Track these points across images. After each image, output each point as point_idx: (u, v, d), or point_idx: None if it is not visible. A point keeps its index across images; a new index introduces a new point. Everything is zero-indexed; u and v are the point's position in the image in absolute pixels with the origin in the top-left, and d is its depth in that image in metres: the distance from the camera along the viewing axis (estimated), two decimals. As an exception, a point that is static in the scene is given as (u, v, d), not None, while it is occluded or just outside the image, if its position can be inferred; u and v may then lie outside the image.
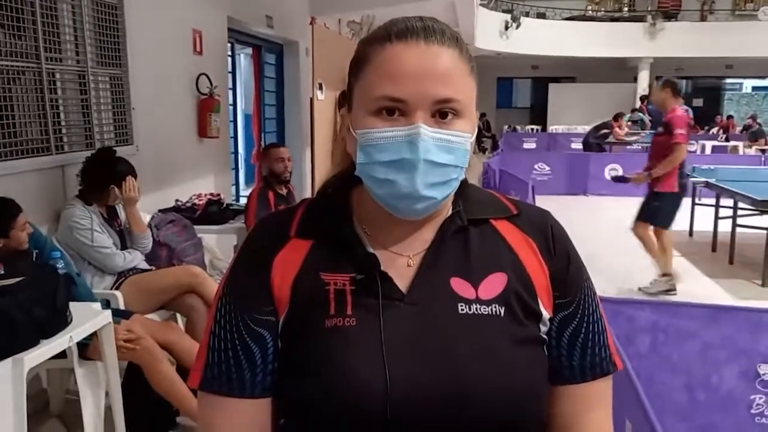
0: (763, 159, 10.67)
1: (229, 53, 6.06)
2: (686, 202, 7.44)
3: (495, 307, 0.82)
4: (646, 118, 15.49)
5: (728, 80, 22.76)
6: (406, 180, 0.77)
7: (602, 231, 7.17)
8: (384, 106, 0.78)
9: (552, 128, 17.62)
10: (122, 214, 3.39)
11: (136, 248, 3.33)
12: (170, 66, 4.57)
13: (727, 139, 14.35)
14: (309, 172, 5.84)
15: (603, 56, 17.47)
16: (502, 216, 0.89)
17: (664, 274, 5.16)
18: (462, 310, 0.81)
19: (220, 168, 5.51)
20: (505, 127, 18.89)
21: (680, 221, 7.37)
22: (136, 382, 2.70)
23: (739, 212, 6.09)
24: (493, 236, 0.87)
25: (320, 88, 5.21)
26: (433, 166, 0.77)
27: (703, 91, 21.91)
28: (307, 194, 6.30)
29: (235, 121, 6.92)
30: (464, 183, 0.87)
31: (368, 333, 0.79)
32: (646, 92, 17.41)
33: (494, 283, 0.83)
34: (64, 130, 3.49)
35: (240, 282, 0.85)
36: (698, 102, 20.53)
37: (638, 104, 16.49)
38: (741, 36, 16.44)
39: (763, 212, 5.60)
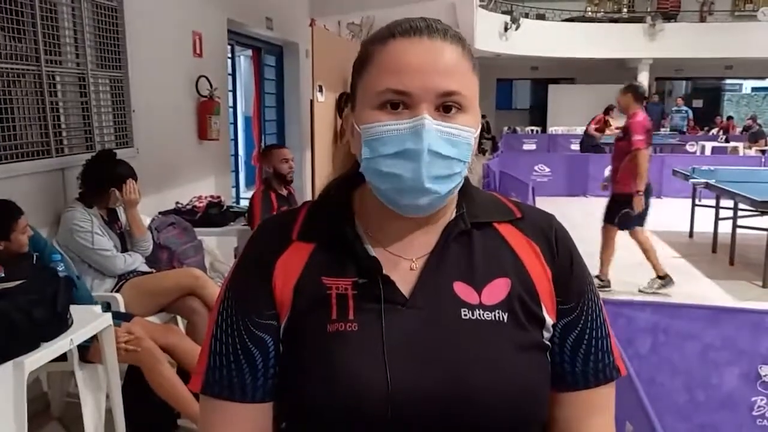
0: (763, 160, 10.66)
1: (229, 55, 6.06)
2: (686, 204, 7.48)
3: (498, 312, 0.81)
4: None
5: (728, 81, 22.77)
6: (410, 171, 0.77)
7: (601, 231, 7.15)
8: (388, 99, 0.78)
9: (552, 129, 17.61)
10: (123, 217, 3.39)
11: (136, 251, 3.33)
12: (170, 68, 4.57)
13: (727, 140, 14.35)
14: (309, 174, 5.84)
15: (602, 57, 17.46)
16: (505, 219, 0.88)
17: (658, 277, 5.20)
18: (465, 315, 0.80)
19: (221, 170, 5.52)
20: (505, 128, 18.89)
21: (681, 222, 7.42)
22: (136, 385, 2.70)
23: (740, 213, 6.09)
24: (496, 240, 0.86)
25: (320, 90, 5.21)
26: (437, 158, 0.77)
27: (703, 92, 21.92)
28: (308, 196, 6.30)
29: (235, 123, 6.92)
30: (467, 184, 0.87)
31: (370, 338, 0.78)
32: (646, 93, 17.43)
33: (498, 289, 0.83)
34: (64, 133, 3.49)
35: (242, 286, 0.85)
36: (698, 103, 20.55)
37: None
38: (740, 37, 16.45)
39: (763, 213, 5.60)
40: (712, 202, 6.77)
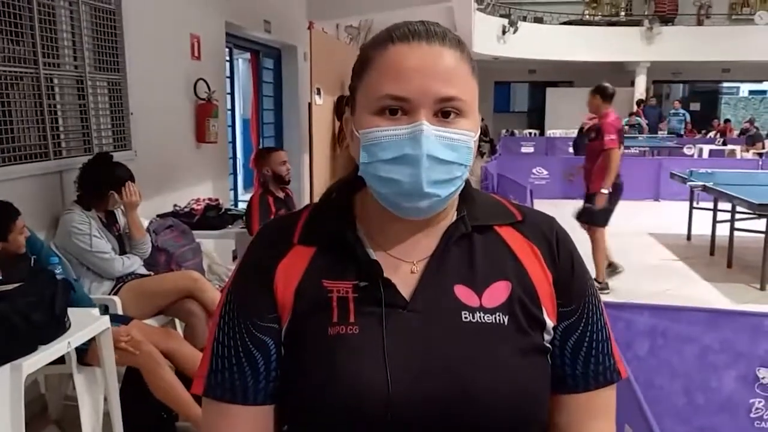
0: (760, 163, 10.69)
1: (228, 58, 6.07)
2: (684, 207, 7.49)
3: (499, 315, 0.81)
4: (644, 122, 15.52)
5: (725, 84, 22.81)
6: (410, 176, 0.77)
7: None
8: (387, 105, 0.78)
9: (550, 132, 17.63)
10: (121, 219, 3.39)
11: (135, 253, 3.33)
12: (168, 71, 4.57)
13: (724, 143, 14.38)
14: (307, 177, 5.84)
15: (600, 60, 17.48)
16: (506, 222, 0.88)
17: (597, 281, 5.22)
18: (465, 318, 0.80)
19: (219, 173, 5.51)
20: (503, 131, 18.91)
21: (678, 225, 7.43)
22: (134, 388, 2.69)
23: (737, 216, 6.09)
24: (497, 243, 0.86)
25: (318, 92, 5.21)
26: (437, 163, 0.77)
27: (700, 95, 21.95)
28: (306, 198, 6.30)
29: (233, 126, 6.92)
30: (468, 187, 0.87)
31: (371, 341, 0.79)
32: (644, 96, 17.46)
33: (498, 292, 0.83)
34: (62, 136, 3.48)
35: (243, 289, 0.85)
36: (695, 106, 20.58)
37: (635, 108, 16.52)
38: (737, 40, 16.48)
39: (760, 216, 5.60)
40: (710, 205, 6.78)
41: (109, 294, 3.13)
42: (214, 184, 5.34)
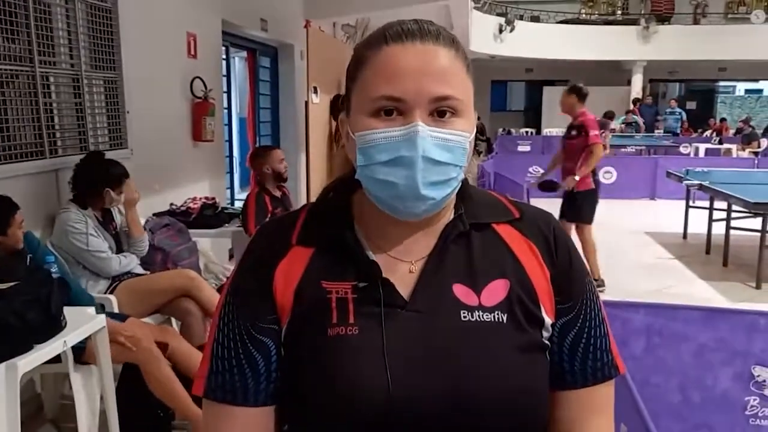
0: (756, 161, 10.71)
1: (224, 56, 6.06)
2: (680, 205, 7.51)
3: (497, 314, 0.81)
4: (640, 121, 15.54)
5: (721, 83, 22.87)
6: (405, 179, 0.77)
7: (596, 233, 7.17)
8: (382, 106, 0.78)
9: (546, 131, 17.63)
10: (118, 218, 3.38)
11: (133, 251, 3.33)
12: (164, 69, 4.56)
13: (720, 142, 14.40)
14: (304, 175, 5.84)
15: (597, 59, 17.51)
16: (503, 220, 0.88)
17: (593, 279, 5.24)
18: (464, 317, 0.81)
19: (215, 171, 5.51)
20: (500, 130, 18.91)
21: (675, 224, 7.44)
22: (131, 386, 2.69)
23: (733, 215, 6.11)
24: (495, 241, 0.87)
25: (315, 91, 5.21)
26: (432, 164, 0.77)
27: (697, 94, 22.01)
28: (303, 197, 6.30)
29: (229, 124, 6.91)
30: (465, 184, 0.87)
31: (370, 341, 0.79)
32: (640, 95, 17.49)
33: (497, 290, 0.83)
34: (58, 134, 3.48)
35: (243, 290, 0.85)
36: (692, 105, 20.62)
37: (631, 107, 16.55)
38: (734, 39, 16.51)
39: (756, 214, 5.62)
40: (706, 204, 6.79)
41: (105, 293, 3.12)
42: (210, 182, 5.34)
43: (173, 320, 3.35)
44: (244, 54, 7.13)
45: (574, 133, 5.32)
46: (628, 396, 1.70)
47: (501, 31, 16.32)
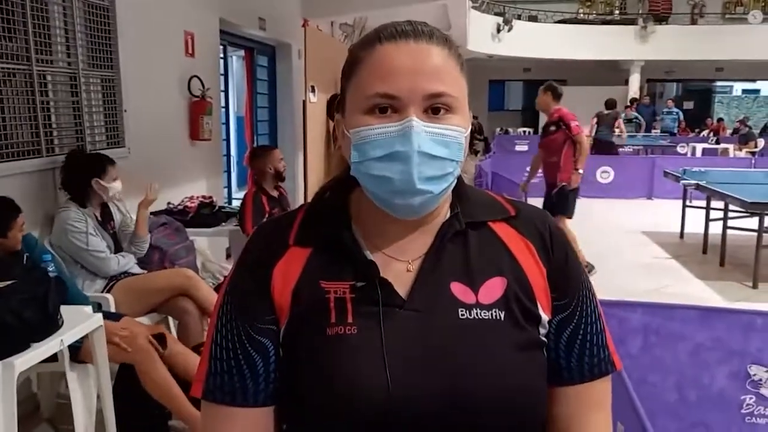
0: (753, 161, 10.73)
1: (222, 55, 6.05)
2: (677, 205, 7.51)
3: (495, 311, 0.82)
4: (642, 119, 15.52)
5: (719, 83, 22.91)
6: (401, 173, 0.77)
7: (592, 233, 7.19)
8: (377, 104, 0.78)
9: (544, 131, 17.60)
10: (117, 217, 3.38)
11: (134, 250, 3.33)
12: (162, 68, 4.56)
13: (717, 142, 14.42)
14: (302, 174, 5.84)
15: (594, 59, 17.52)
16: (499, 218, 0.89)
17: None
18: (462, 315, 0.81)
19: (212, 170, 5.50)
20: (498, 129, 18.92)
21: (672, 224, 7.45)
22: (127, 385, 2.69)
23: (730, 214, 6.12)
24: (491, 240, 0.87)
25: (313, 90, 5.20)
26: (428, 159, 0.77)
27: (694, 93, 22.04)
28: (300, 196, 6.30)
29: (227, 123, 6.91)
30: (461, 184, 0.88)
31: (369, 340, 0.79)
32: (637, 95, 17.50)
33: (494, 288, 0.83)
34: (55, 133, 3.47)
35: (240, 291, 0.85)
36: (689, 105, 20.64)
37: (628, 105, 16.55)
38: (731, 39, 16.54)
39: (753, 214, 5.63)
40: (703, 204, 6.80)
41: (102, 292, 3.12)
42: (207, 181, 5.33)
43: (170, 319, 3.35)
44: (242, 53, 7.13)
45: (552, 128, 5.42)
46: (625, 395, 1.71)
47: (499, 31, 16.32)
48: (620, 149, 11.97)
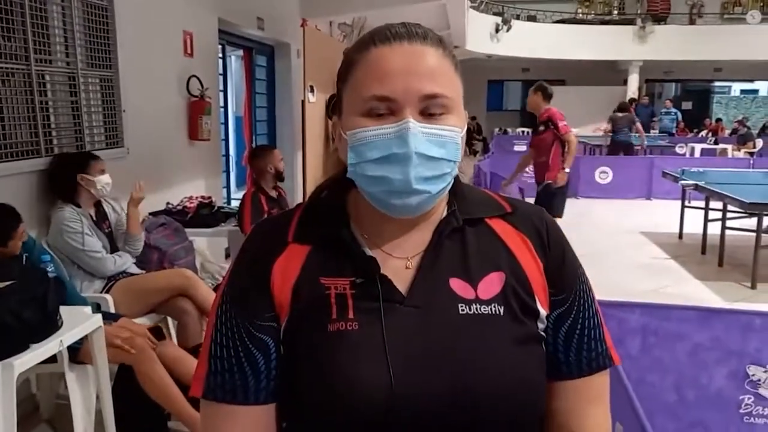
0: (751, 162, 10.74)
1: (220, 55, 6.05)
2: (676, 205, 7.52)
3: (494, 306, 0.82)
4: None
5: (717, 83, 22.93)
6: (398, 174, 0.77)
7: (592, 233, 7.21)
8: (373, 106, 0.79)
9: (543, 131, 17.61)
10: (111, 216, 3.38)
11: (128, 249, 3.32)
12: (161, 68, 4.56)
13: (716, 142, 14.43)
14: (300, 174, 5.84)
15: (593, 59, 17.55)
16: (496, 214, 0.90)
17: None
18: (462, 310, 0.81)
19: (211, 170, 5.50)
20: (496, 129, 18.95)
21: (670, 224, 7.46)
22: (126, 386, 2.68)
23: (729, 215, 6.13)
24: (489, 235, 0.88)
25: (311, 90, 5.20)
26: (425, 160, 0.78)
27: (692, 94, 22.07)
28: (299, 196, 6.29)
29: (226, 123, 6.90)
30: (458, 182, 0.88)
31: (371, 336, 0.79)
32: (636, 95, 17.52)
33: (492, 283, 0.84)
34: (53, 133, 3.47)
35: (240, 289, 0.85)
36: (687, 105, 20.68)
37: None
38: (730, 39, 16.57)
39: (752, 215, 5.63)
40: (702, 204, 6.81)
41: (101, 292, 3.11)
42: (206, 181, 5.33)
43: (169, 320, 3.35)
44: (241, 53, 7.12)
45: (542, 128, 5.47)
46: (624, 395, 1.71)
47: (498, 31, 16.34)
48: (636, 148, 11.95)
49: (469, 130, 0.86)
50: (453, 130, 0.80)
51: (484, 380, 0.78)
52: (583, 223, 7.78)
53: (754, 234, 5.46)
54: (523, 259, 0.86)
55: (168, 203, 4.35)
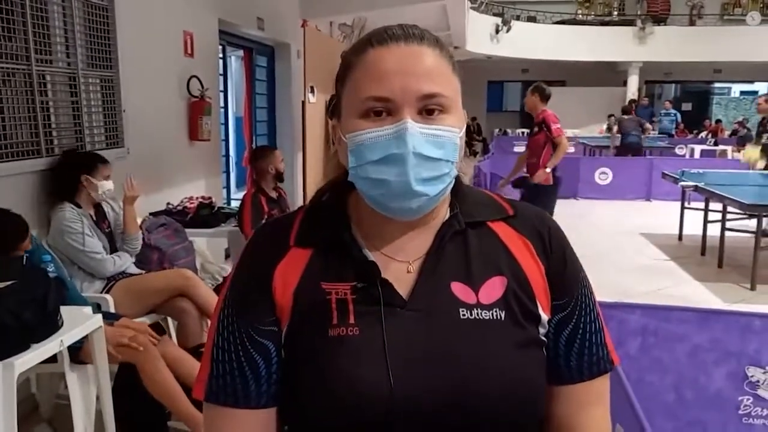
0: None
1: (221, 55, 6.05)
2: (676, 206, 7.52)
3: (496, 311, 0.82)
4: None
5: (717, 85, 22.94)
6: (398, 176, 0.77)
7: (592, 234, 7.21)
8: (371, 107, 0.79)
9: (542, 132, 17.62)
10: (110, 216, 3.38)
11: (126, 249, 3.32)
12: (161, 68, 4.56)
13: (715, 144, 14.44)
14: (301, 175, 5.85)
15: (593, 60, 17.57)
16: (498, 218, 0.89)
17: None
18: (463, 315, 0.81)
19: (212, 171, 5.50)
20: (496, 130, 18.95)
21: (670, 225, 7.47)
22: (127, 386, 2.69)
23: (728, 216, 6.13)
24: (490, 239, 0.87)
25: (312, 90, 5.21)
26: (424, 160, 0.78)
27: (692, 95, 22.07)
28: (299, 197, 6.30)
29: (226, 124, 6.90)
30: (460, 184, 0.88)
31: (371, 341, 0.79)
32: (636, 96, 17.54)
33: (494, 287, 0.84)
34: (54, 133, 3.47)
35: (241, 293, 0.85)
36: (687, 106, 20.68)
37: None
38: (729, 41, 16.58)
39: (751, 216, 5.64)
40: (701, 205, 6.81)
41: (101, 292, 3.11)
42: (206, 182, 5.33)
43: (169, 320, 3.35)
44: (241, 53, 7.12)
45: (536, 129, 5.50)
46: (623, 394, 1.71)
47: (497, 32, 16.35)
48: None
49: (469, 130, 0.86)
50: (451, 130, 0.80)
51: (484, 382, 0.78)
52: (583, 224, 7.79)
53: (753, 235, 5.47)
54: (525, 262, 0.86)
55: (168, 203, 4.35)
